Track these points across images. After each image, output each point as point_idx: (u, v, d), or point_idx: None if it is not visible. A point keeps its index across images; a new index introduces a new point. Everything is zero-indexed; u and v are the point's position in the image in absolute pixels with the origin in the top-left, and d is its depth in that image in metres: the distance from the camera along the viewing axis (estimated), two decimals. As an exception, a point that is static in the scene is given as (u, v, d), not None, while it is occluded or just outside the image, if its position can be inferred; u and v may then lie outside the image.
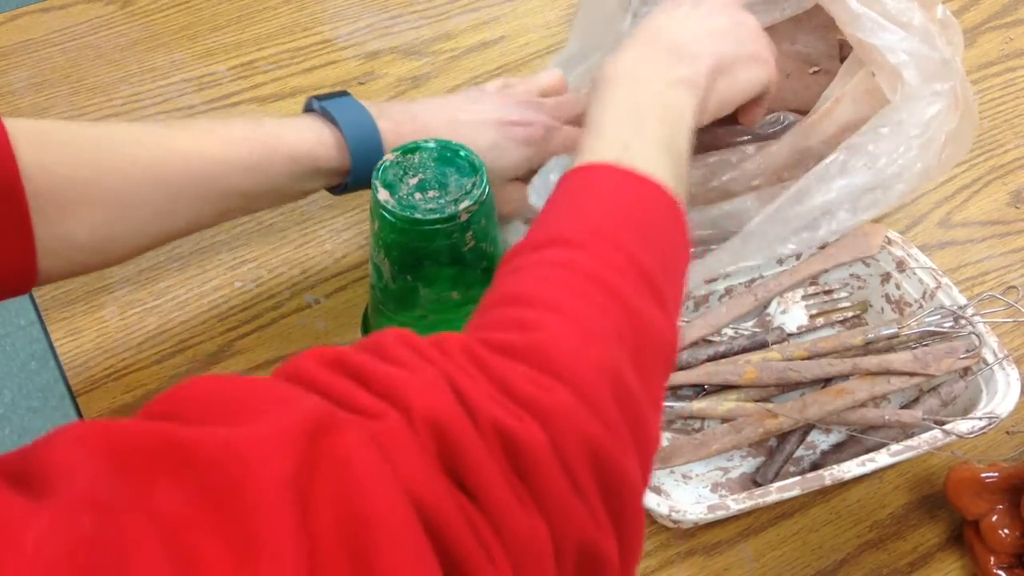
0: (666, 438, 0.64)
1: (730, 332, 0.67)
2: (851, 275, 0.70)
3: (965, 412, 0.61)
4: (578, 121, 0.68)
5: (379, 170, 0.58)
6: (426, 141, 0.59)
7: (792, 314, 0.68)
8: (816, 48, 0.71)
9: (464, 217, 0.57)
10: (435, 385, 0.35)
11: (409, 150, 0.59)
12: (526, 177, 0.66)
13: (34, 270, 0.54)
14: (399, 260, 0.60)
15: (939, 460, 0.63)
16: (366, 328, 0.68)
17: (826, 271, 0.69)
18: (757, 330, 0.67)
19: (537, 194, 0.64)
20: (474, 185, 0.58)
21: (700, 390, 0.64)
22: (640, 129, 0.52)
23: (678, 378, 0.64)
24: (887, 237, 0.68)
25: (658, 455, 0.61)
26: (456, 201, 0.57)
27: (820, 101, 0.67)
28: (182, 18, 0.91)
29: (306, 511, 0.29)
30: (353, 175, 0.61)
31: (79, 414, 0.65)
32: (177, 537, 0.27)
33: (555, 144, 0.66)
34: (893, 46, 0.63)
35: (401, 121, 0.63)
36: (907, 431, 0.61)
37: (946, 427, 0.58)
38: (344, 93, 0.63)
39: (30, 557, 0.25)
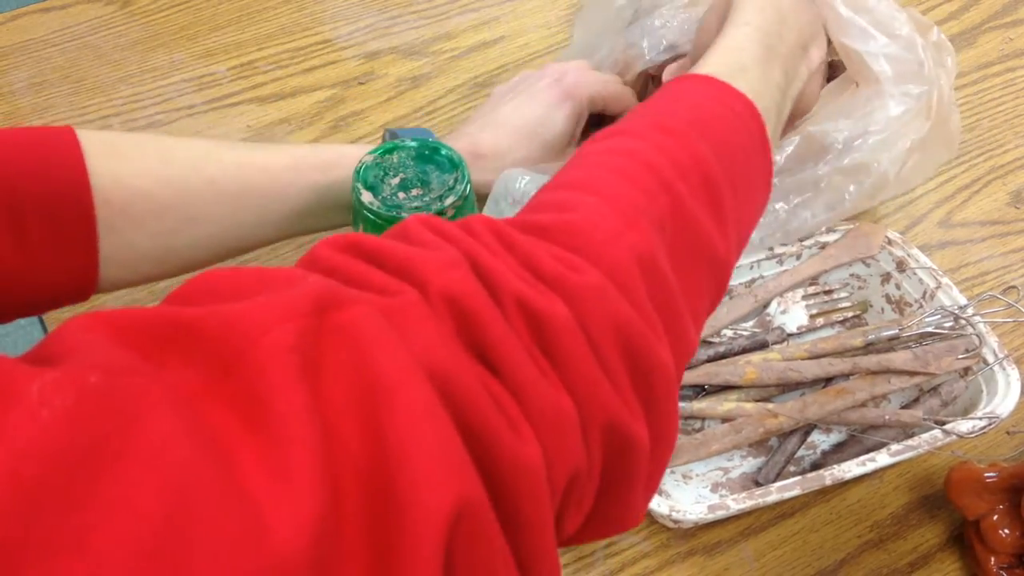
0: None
1: (730, 333, 0.67)
2: (851, 275, 0.70)
3: (965, 412, 0.61)
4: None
5: (359, 172, 0.58)
6: (403, 140, 0.60)
7: (792, 314, 0.68)
8: None
9: (450, 213, 0.57)
10: (455, 262, 0.34)
11: (388, 150, 0.59)
12: (581, 135, 0.68)
13: (95, 277, 0.55)
14: None
15: (939, 460, 0.63)
16: None
17: (826, 271, 0.69)
18: (757, 330, 0.67)
19: (496, 202, 0.64)
20: (456, 180, 0.58)
21: (700, 390, 0.64)
22: (764, 65, 0.51)
23: (678, 378, 0.64)
24: (887, 237, 0.68)
25: (658, 455, 0.61)
26: (441, 197, 0.57)
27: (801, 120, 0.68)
28: (182, 18, 0.91)
29: (312, 377, 0.28)
30: None
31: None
32: (186, 402, 0.26)
33: (592, 91, 0.68)
34: (876, 52, 0.63)
35: (453, 138, 0.65)
36: (907, 431, 0.61)
37: (946, 427, 0.58)
38: (422, 129, 0.67)
39: (35, 403, 0.24)
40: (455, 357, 0.31)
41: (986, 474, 0.57)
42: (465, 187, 0.58)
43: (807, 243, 0.69)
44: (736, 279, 0.68)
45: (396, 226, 0.37)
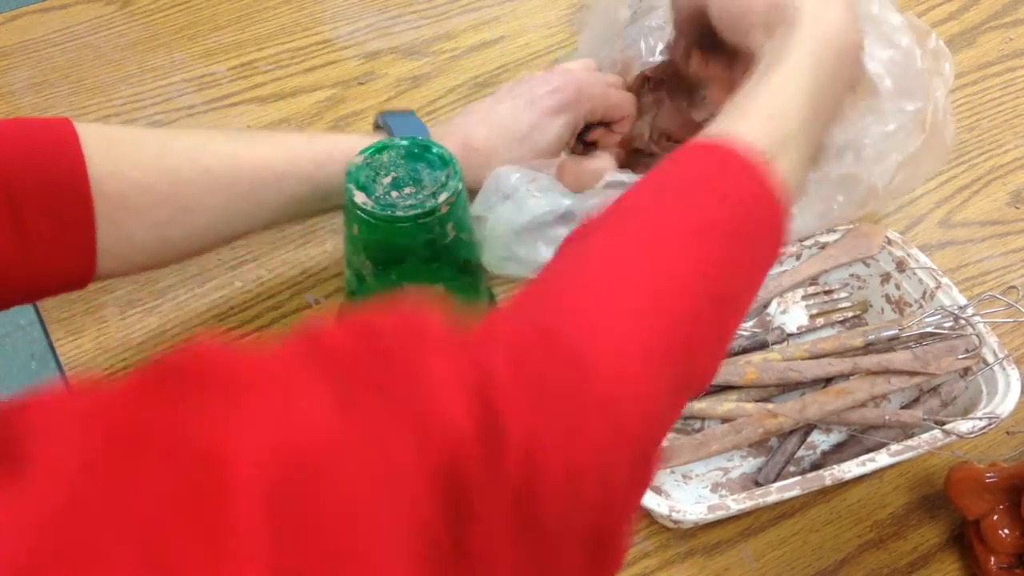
0: (666, 439, 0.64)
1: (730, 332, 0.67)
2: (851, 275, 0.70)
3: (965, 412, 0.61)
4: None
5: (350, 173, 0.58)
6: (393, 139, 0.60)
7: (792, 314, 0.68)
8: None
9: (445, 209, 0.57)
10: (461, 383, 0.33)
11: (378, 150, 0.59)
12: (575, 147, 0.69)
13: (92, 267, 0.56)
14: (382, 260, 0.60)
15: (939, 460, 0.63)
16: None
17: (826, 271, 0.69)
18: (757, 330, 0.67)
19: (487, 197, 0.64)
20: (448, 177, 0.58)
21: (700, 390, 0.64)
22: (809, 126, 0.49)
23: (678, 378, 0.64)
24: (887, 237, 0.68)
25: (657, 456, 0.61)
26: (434, 194, 0.57)
27: None
28: (182, 18, 0.91)
29: (285, 534, 0.27)
30: None
31: (79, 414, 0.65)
32: (152, 531, 0.25)
33: (591, 102, 0.68)
34: (877, 63, 0.63)
35: (444, 135, 0.64)
36: (907, 431, 0.61)
37: (946, 427, 0.58)
38: (410, 112, 0.66)
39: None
40: (432, 527, 0.30)
41: (986, 474, 0.57)
42: (458, 183, 0.58)
43: (807, 243, 0.69)
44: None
45: (411, 315, 0.35)
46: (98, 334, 0.69)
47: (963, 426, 0.58)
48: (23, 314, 1.66)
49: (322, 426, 0.30)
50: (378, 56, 0.88)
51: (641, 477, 0.39)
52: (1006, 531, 0.56)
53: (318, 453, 0.29)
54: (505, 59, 0.88)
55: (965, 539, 0.59)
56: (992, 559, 0.57)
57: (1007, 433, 0.65)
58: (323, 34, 0.90)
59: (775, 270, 0.68)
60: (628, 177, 0.66)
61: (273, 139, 0.62)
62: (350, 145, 0.61)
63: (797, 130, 0.48)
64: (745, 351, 0.65)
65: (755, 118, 0.47)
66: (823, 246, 0.69)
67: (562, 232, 0.63)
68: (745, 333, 0.67)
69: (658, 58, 0.70)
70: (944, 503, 0.61)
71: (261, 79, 0.86)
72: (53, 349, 0.68)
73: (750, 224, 0.45)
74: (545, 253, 0.64)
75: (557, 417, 0.34)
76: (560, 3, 0.93)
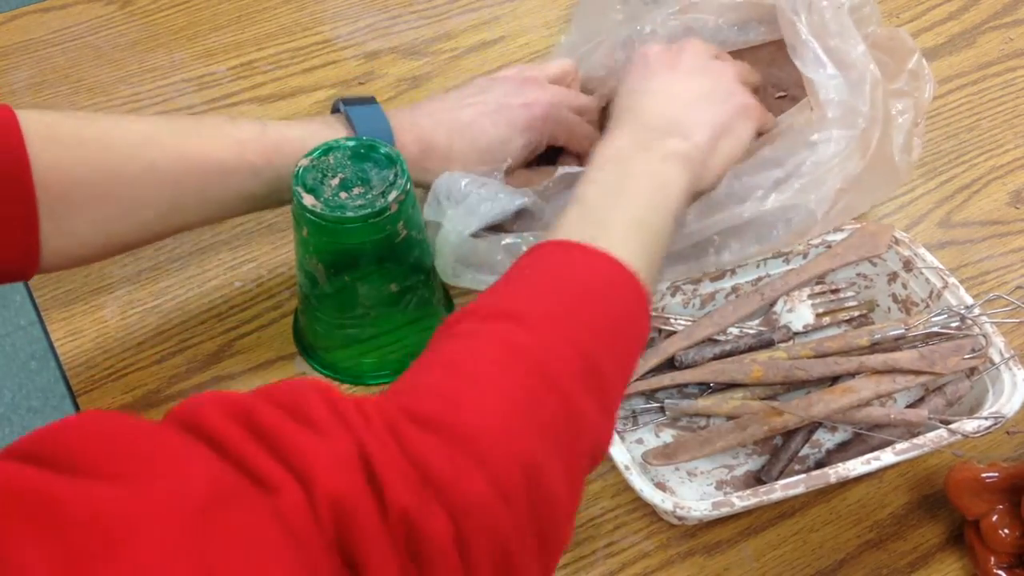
0: (671, 435, 0.64)
1: (736, 331, 0.67)
2: (858, 274, 0.70)
3: (971, 412, 0.61)
4: (580, 111, 0.69)
5: (297, 176, 0.58)
6: (338, 140, 0.60)
7: (798, 313, 0.68)
8: (790, 75, 0.71)
9: (395, 208, 0.57)
10: (346, 460, 0.34)
11: (324, 152, 0.59)
12: (534, 161, 0.68)
13: (36, 262, 0.55)
14: (334, 263, 0.60)
15: (939, 460, 0.63)
16: (301, 342, 0.68)
17: (833, 270, 0.69)
18: (763, 329, 0.67)
19: (437, 200, 0.64)
20: (396, 176, 0.58)
21: (706, 388, 0.64)
22: (619, 209, 0.51)
23: (685, 376, 0.64)
24: (894, 236, 0.68)
25: (663, 451, 0.61)
26: (384, 194, 0.57)
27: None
28: (182, 18, 0.91)
29: None
30: None
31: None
32: None
33: (557, 127, 0.67)
34: (825, 83, 0.63)
35: (405, 129, 0.64)
36: (912, 430, 0.61)
37: (952, 426, 0.58)
38: (371, 100, 0.65)
39: None
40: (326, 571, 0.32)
41: (986, 474, 0.57)
42: (406, 182, 0.58)
43: (814, 241, 0.68)
44: (742, 277, 0.68)
45: (286, 389, 0.36)
46: (98, 334, 0.69)
47: (968, 425, 0.58)
48: (23, 314, 1.66)
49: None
50: (378, 56, 0.88)
51: (550, 526, 0.39)
52: (1006, 531, 0.56)
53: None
54: (505, 59, 0.88)
55: (965, 539, 0.59)
56: (992, 559, 0.57)
57: (1007, 433, 0.65)
58: (323, 34, 0.90)
59: (781, 268, 0.68)
60: (579, 170, 0.66)
61: (222, 130, 0.60)
62: (303, 134, 0.60)
63: (609, 215, 0.51)
64: (751, 349, 0.65)
65: (573, 218, 0.51)
66: (830, 245, 0.69)
67: (513, 241, 0.63)
68: (751, 332, 0.67)
69: None
70: (944, 503, 0.61)
71: (261, 79, 0.86)
72: (53, 349, 0.68)
73: (604, 296, 0.47)
74: (500, 258, 0.63)
75: (431, 485, 0.35)
76: (560, 3, 0.93)
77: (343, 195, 0.57)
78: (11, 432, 1.54)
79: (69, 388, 0.66)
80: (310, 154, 0.59)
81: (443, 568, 0.34)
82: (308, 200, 0.57)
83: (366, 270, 0.61)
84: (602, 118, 0.72)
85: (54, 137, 0.54)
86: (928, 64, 0.68)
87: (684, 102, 0.59)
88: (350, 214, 0.56)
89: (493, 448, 0.37)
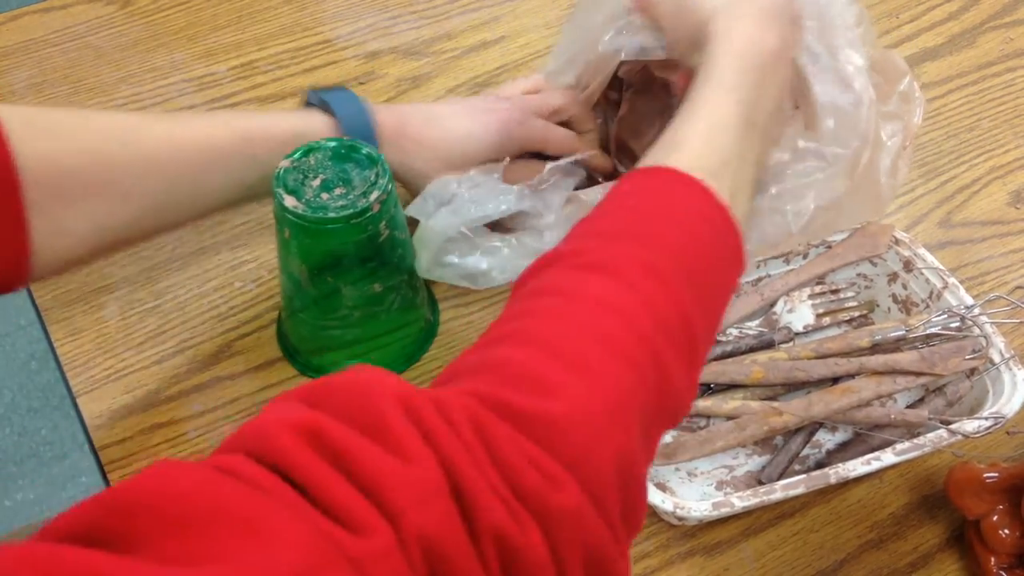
0: (671, 435, 0.64)
1: (736, 331, 0.67)
2: (858, 274, 0.70)
3: (971, 412, 0.61)
4: (556, 115, 0.68)
5: (278, 177, 0.58)
6: (319, 142, 0.60)
7: (799, 313, 0.68)
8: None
9: (376, 208, 0.57)
10: (434, 487, 0.32)
11: (305, 152, 0.59)
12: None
13: (27, 267, 0.51)
14: (317, 263, 0.60)
15: (940, 460, 0.63)
16: (286, 346, 0.68)
17: (833, 270, 0.69)
18: (763, 329, 0.67)
19: (425, 201, 0.64)
20: (378, 176, 0.58)
21: (706, 388, 0.64)
22: (744, 146, 0.48)
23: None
24: (894, 237, 0.68)
25: (663, 451, 0.61)
26: (365, 194, 0.57)
27: None
28: (182, 18, 0.91)
29: None
30: None
31: (79, 414, 0.65)
32: None
33: (527, 133, 0.67)
34: (826, 101, 0.61)
35: (387, 116, 0.64)
36: (913, 430, 0.61)
37: (952, 427, 0.58)
38: (341, 87, 0.65)
39: None
40: None
41: (986, 474, 0.57)
42: (387, 182, 0.58)
43: (814, 241, 0.68)
44: (742, 277, 0.67)
45: (365, 399, 0.33)
46: (98, 334, 0.69)
47: (969, 426, 0.58)
48: (23, 314, 1.66)
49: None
50: (378, 56, 0.88)
51: (632, 509, 0.38)
52: (1006, 531, 0.56)
53: None
54: (505, 59, 0.88)
55: (965, 539, 0.59)
56: (992, 559, 0.57)
57: (1007, 433, 0.65)
58: (323, 34, 0.90)
59: (781, 269, 0.68)
60: (571, 160, 0.66)
61: (216, 117, 0.59)
62: (290, 119, 0.60)
63: (732, 153, 0.48)
64: (752, 350, 0.65)
65: (687, 148, 0.47)
66: (830, 245, 0.69)
67: (496, 244, 0.63)
68: (751, 332, 0.67)
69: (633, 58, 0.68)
70: (944, 503, 0.61)
71: (261, 79, 0.86)
72: (53, 349, 0.68)
73: (707, 246, 0.44)
74: (480, 261, 0.63)
75: (523, 498, 0.33)
76: (560, 3, 0.93)
77: (324, 196, 0.57)
78: (11, 432, 1.54)
79: (69, 388, 0.66)
80: (291, 155, 0.59)
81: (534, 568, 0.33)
82: (289, 201, 0.57)
83: (349, 271, 0.61)
84: (603, 102, 0.72)
85: (38, 128, 0.52)
86: (928, 64, 0.68)
87: None
88: (332, 215, 0.56)
89: (590, 447, 0.35)
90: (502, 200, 0.64)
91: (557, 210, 0.65)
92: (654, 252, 0.41)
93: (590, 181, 0.70)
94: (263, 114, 0.62)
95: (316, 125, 0.62)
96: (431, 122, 0.65)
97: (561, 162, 0.66)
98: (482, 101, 0.68)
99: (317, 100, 0.64)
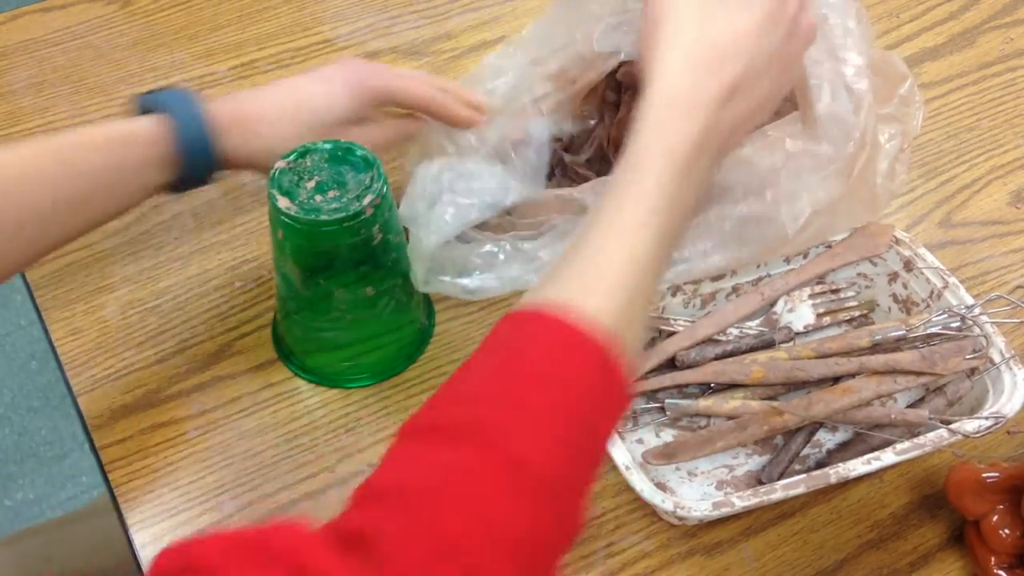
0: (671, 435, 0.64)
1: (736, 331, 0.67)
2: (858, 274, 0.70)
3: (971, 412, 0.61)
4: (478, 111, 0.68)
5: (273, 178, 0.58)
6: (315, 143, 0.59)
7: (799, 313, 0.68)
8: None
9: (370, 212, 0.57)
10: None
11: (301, 154, 0.59)
12: (359, 121, 0.66)
13: None
14: (310, 265, 0.60)
15: (940, 460, 0.63)
16: (281, 347, 0.68)
17: (833, 270, 0.69)
18: (763, 329, 0.67)
19: (407, 204, 0.63)
20: (372, 179, 0.58)
21: (706, 388, 0.64)
22: (650, 271, 0.45)
23: (685, 376, 0.64)
24: (895, 236, 0.68)
25: (663, 451, 0.61)
26: (359, 197, 0.57)
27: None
28: (182, 18, 0.91)
29: None
30: (187, 152, 0.60)
31: (79, 414, 0.65)
32: None
33: (385, 82, 0.66)
34: (826, 104, 0.61)
35: (220, 106, 0.62)
36: (913, 430, 0.61)
37: (952, 426, 0.58)
38: (174, 87, 0.63)
39: None
40: None
41: (986, 474, 0.57)
42: (382, 186, 0.58)
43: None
44: (743, 277, 0.68)
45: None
46: (98, 334, 0.69)
47: (969, 425, 0.58)
48: (23, 314, 1.66)
49: None
50: (378, 56, 0.88)
51: None
52: (1006, 531, 0.56)
53: None
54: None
55: (965, 539, 0.59)
56: (992, 559, 0.57)
57: (1008, 433, 0.65)
58: (323, 34, 0.90)
59: (781, 268, 0.68)
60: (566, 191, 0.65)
61: (36, 139, 0.58)
62: (111, 125, 0.59)
63: (640, 290, 0.45)
64: (752, 350, 0.65)
65: (600, 290, 0.44)
66: (830, 245, 0.69)
67: (491, 249, 0.63)
68: (752, 332, 0.67)
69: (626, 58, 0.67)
70: (944, 503, 0.61)
71: (262, 79, 0.86)
72: (53, 349, 0.68)
73: (594, 407, 0.42)
74: (475, 281, 0.63)
75: None
76: (560, 3, 0.92)
77: (318, 198, 0.57)
78: (11, 432, 1.54)
79: (69, 388, 0.66)
80: (287, 156, 0.59)
81: None
82: (283, 203, 0.57)
83: (342, 273, 0.61)
84: (601, 104, 0.71)
85: None
86: (928, 64, 0.68)
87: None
88: (324, 217, 0.56)
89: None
90: (494, 203, 0.63)
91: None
92: (521, 405, 0.40)
93: (582, 179, 0.70)
94: (86, 126, 0.60)
95: (139, 125, 0.59)
96: (268, 102, 0.63)
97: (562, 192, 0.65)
98: (335, 63, 0.67)
99: (145, 102, 0.62)
